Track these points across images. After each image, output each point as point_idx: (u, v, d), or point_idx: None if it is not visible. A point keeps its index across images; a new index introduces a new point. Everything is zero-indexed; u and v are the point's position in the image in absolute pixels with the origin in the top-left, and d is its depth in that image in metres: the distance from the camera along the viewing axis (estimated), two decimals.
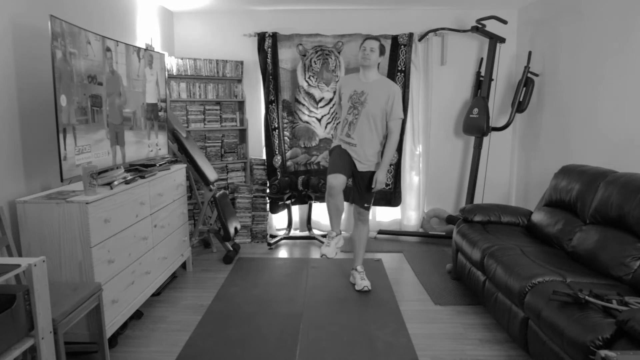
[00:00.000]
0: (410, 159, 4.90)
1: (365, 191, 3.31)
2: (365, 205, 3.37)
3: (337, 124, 3.41)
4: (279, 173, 4.71)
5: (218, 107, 4.65)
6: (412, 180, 4.93)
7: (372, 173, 3.26)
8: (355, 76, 3.36)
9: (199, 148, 4.18)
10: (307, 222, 4.77)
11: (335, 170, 3.12)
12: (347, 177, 3.19)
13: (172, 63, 4.38)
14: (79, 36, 2.48)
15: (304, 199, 4.66)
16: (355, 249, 3.53)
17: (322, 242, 3.92)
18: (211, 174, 4.06)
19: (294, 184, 4.60)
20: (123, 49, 2.93)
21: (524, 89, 4.25)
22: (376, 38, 3.29)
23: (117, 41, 2.87)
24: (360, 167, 3.25)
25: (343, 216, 3.60)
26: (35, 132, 2.55)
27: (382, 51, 3.27)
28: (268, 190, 4.55)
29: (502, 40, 4.41)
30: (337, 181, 3.07)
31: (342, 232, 3.33)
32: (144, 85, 3.24)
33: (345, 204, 3.99)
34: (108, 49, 2.74)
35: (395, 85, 3.33)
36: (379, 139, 3.27)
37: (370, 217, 4.97)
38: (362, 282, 3.40)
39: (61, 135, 2.30)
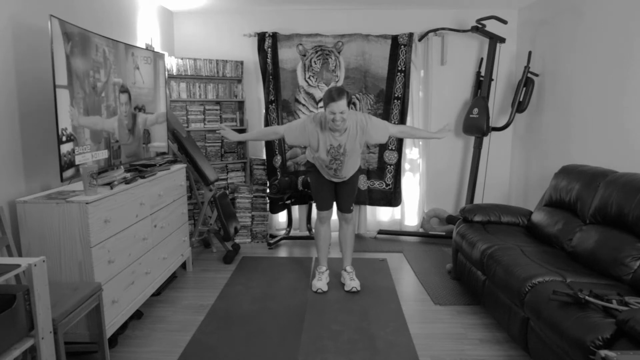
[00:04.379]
0: (410, 159, 4.90)
1: (349, 195, 3.42)
2: (351, 208, 3.47)
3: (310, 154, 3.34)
4: (279, 173, 4.71)
5: (218, 107, 4.65)
6: (412, 180, 4.93)
7: (355, 174, 3.39)
8: (324, 131, 3.05)
9: (198, 148, 4.18)
10: (307, 222, 4.78)
11: (324, 207, 3.43)
12: (332, 206, 3.48)
13: (172, 63, 4.38)
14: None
15: (304, 199, 4.65)
16: (343, 250, 3.56)
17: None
18: (211, 174, 4.06)
19: (294, 184, 4.60)
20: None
21: (524, 89, 4.25)
22: (340, 91, 2.85)
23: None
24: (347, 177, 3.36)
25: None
26: (35, 132, 2.55)
27: (349, 103, 2.94)
28: (268, 190, 4.55)
29: (502, 40, 4.41)
30: (327, 214, 3.46)
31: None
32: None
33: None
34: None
35: (360, 119, 3.06)
36: (360, 160, 3.41)
37: (370, 217, 5.00)
38: (351, 282, 3.40)
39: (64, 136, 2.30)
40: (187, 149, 3.90)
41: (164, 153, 3.60)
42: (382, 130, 3.14)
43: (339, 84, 4.66)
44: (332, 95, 2.83)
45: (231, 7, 4.60)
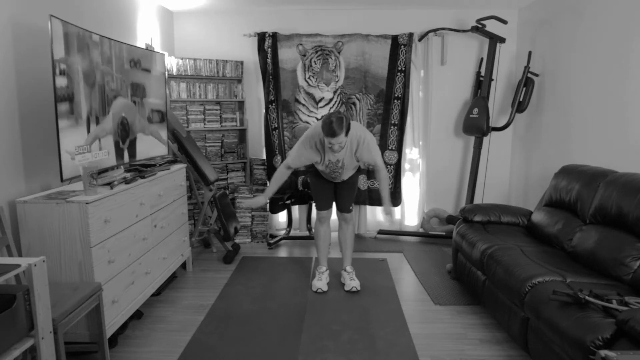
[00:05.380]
0: (410, 159, 4.90)
1: (349, 195, 3.44)
2: (350, 208, 3.48)
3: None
4: None
5: (218, 107, 4.65)
6: (412, 180, 4.93)
7: (354, 174, 3.40)
8: (322, 150, 3.09)
9: (198, 148, 4.18)
10: (307, 222, 4.78)
11: (324, 207, 3.46)
12: (332, 205, 3.51)
13: (172, 63, 4.38)
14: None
15: (304, 199, 4.65)
16: (343, 250, 3.57)
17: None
18: (211, 174, 4.06)
19: (294, 184, 4.60)
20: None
21: (524, 89, 4.25)
22: (340, 125, 2.80)
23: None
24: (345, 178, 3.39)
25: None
26: (35, 132, 2.55)
27: (347, 133, 2.89)
28: None
29: (502, 40, 4.41)
30: (326, 214, 3.49)
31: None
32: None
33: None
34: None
35: (359, 135, 3.06)
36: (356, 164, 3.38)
37: (370, 217, 5.00)
38: (351, 282, 3.41)
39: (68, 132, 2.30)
40: (187, 149, 3.90)
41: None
42: (371, 155, 3.12)
43: (339, 84, 4.66)
44: (333, 130, 2.80)
45: (231, 7, 4.60)
